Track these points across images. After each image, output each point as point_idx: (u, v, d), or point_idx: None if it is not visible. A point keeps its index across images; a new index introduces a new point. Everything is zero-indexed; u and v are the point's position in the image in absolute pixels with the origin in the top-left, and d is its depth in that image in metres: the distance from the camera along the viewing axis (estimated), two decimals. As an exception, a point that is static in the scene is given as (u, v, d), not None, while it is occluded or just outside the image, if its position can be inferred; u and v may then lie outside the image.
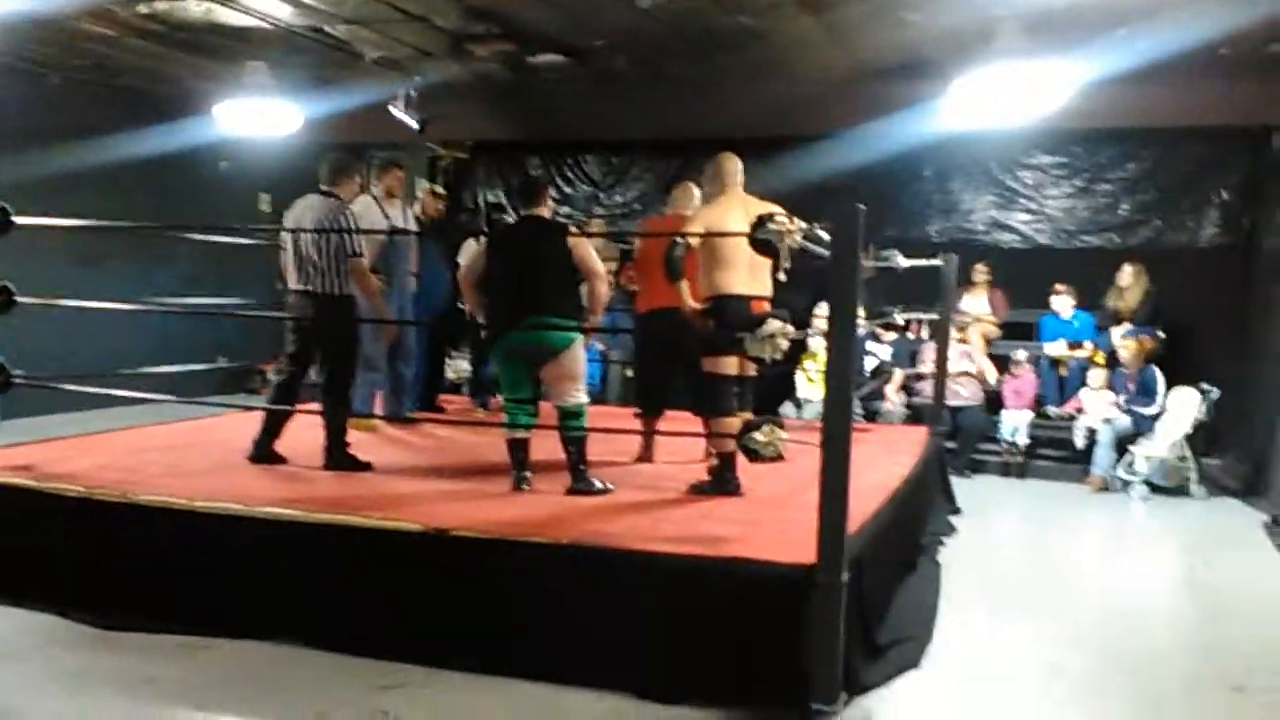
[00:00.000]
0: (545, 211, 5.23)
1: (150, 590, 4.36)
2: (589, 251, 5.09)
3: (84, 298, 5.94)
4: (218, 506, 4.39)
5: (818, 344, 8.53)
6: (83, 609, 4.34)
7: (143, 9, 7.59)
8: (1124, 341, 8.47)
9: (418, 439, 6.66)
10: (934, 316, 7.61)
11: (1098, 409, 8.36)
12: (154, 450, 5.69)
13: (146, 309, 7.40)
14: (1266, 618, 5.07)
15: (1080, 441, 8.40)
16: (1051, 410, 8.79)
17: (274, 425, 5.50)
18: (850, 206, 3.73)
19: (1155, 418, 8.10)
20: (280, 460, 5.46)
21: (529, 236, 5.15)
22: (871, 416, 8.68)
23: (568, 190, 11.55)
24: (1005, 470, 8.72)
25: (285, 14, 7.76)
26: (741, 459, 4.56)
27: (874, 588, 4.31)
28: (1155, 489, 7.95)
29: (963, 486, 7.67)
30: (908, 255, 7.39)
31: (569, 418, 4.99)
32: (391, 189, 6.99)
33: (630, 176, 11.32)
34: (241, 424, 6.81)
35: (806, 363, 8.95)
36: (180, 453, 5.67)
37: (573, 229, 5.25)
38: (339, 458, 5.42)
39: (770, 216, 4.37)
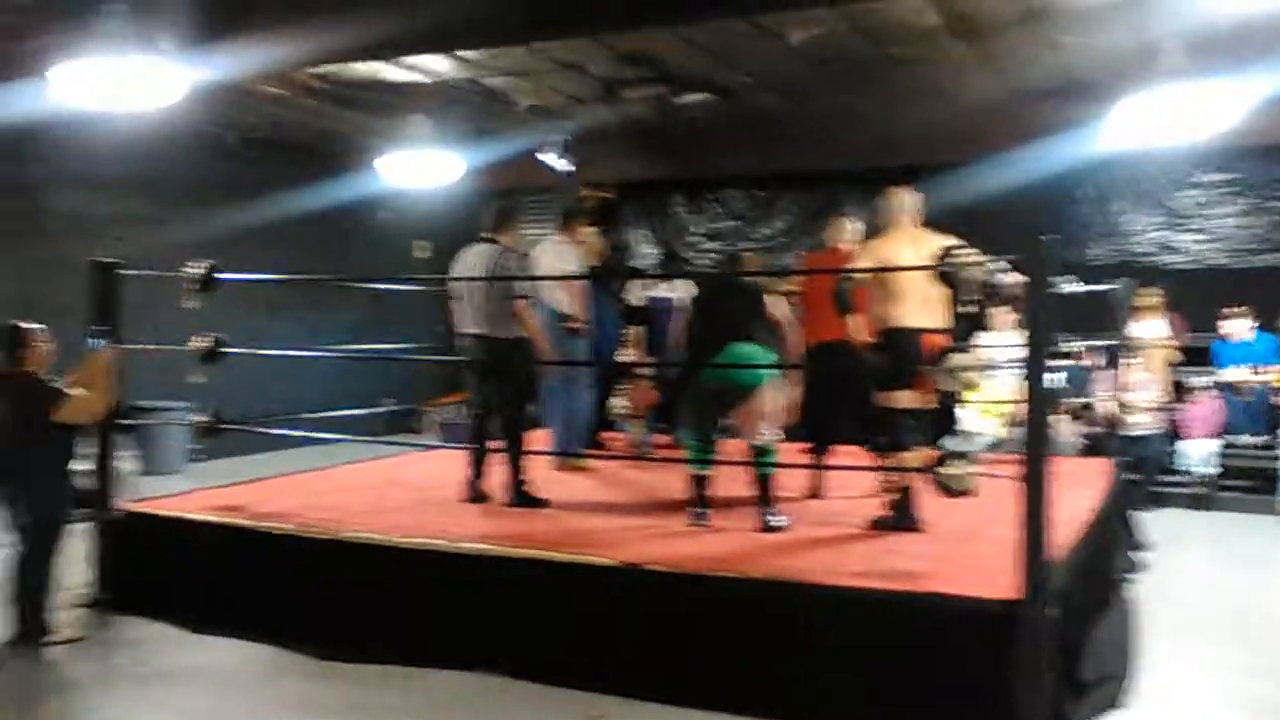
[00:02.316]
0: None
1: (362, 623, 4.58)
2: (783, 311, 5.30)
3: (263, 346, 6.27)
4: (421, 543, 4.60)
5: (979, 376, 8.39)
6: (300, 641, 4.58)
7: (315, 70, 8.03)
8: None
9: (589, 475, 6.79)
10: (1107, 343, 7.41)
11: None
12: (351, 490, 5.98)
13: (326, 355, 7.83)
14: None
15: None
16: (1244, 438, 8.40)
17: (476, 466, 5.72)
18: (1038, 238, 3.71)
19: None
20: (488, 498, 5.68)
21: (732, 299, 5.31)
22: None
23: (714, 226, 11.69)
24: (1190, 503, 8.36)
25: (445, 68, 8.11)
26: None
27: (1074, 624, 4.22)
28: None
29: (1147, 521, 7.38)
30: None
31: (761, 454, 5.05)
32: (579, 237, 7.17)
33: (776, 209, 11.38)
34: (420, 463, 7.12)
35: (969, 395, 8.78)
36: (376, 492, 5.94)
37: (769, 289, 5.42)
38: (520, 495, 5.59)
39: (952, 249, 4.37)
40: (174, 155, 9.38)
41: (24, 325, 4.67)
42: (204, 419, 5.61)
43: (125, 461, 5.95)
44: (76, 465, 4.94)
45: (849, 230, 6.26)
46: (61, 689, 4.21)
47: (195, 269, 5.37)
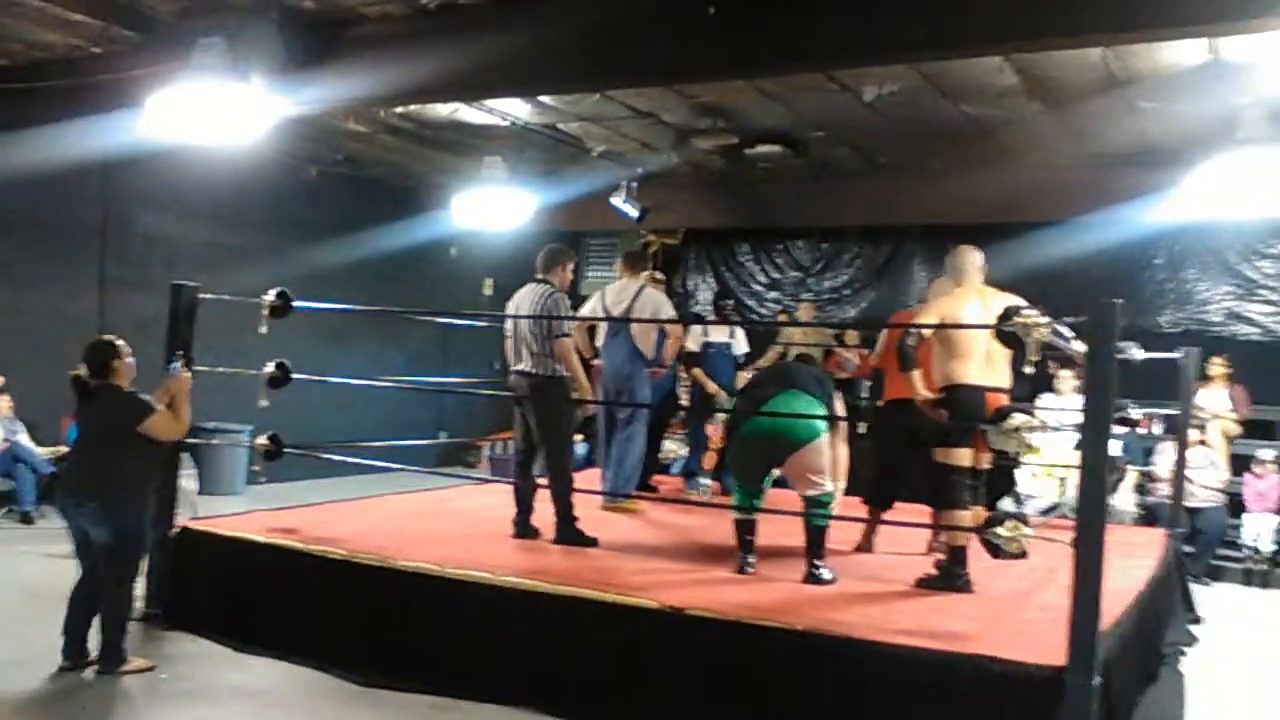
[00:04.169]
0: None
1: (402, 651, 4.63)
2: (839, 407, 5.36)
3: (326, 375, 6.39)
4: (468, 575, 4.65)
5: (1040, 438, 8.28)
6: (341, 665, 4.64)
7: (398, 109, 8.24)
8: None
9: (637, 517, 6.79)
10: (1169, 412, 7.29)
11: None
12: (403, 519, 6.07)
13: (386, 385, 7.98)
14: None
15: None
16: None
17: (524, 502, 5.78)
18: (1107, 301, 3.69)
19: None
20: (536, 534, 5.72)
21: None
22: (1098, 515, 8.30)
23: (776, 276, 11.73)
24: (1248, 578, 8.17)
25: (524, 113, 8.30)
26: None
27: (1119, 694, 4.13)
28: None
29: (1201, 594, 7.23)
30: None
31: (815, 505, 5.04)
32: (651, 279, 7.27)
33: (841, 263, 11.39)
34: (472, 496, 7.20)
35: (1027, 457, 8.66)
36: (427, 522, 6.02)
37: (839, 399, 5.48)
38: (568, 533, 5.63)
39: (1017, 310, 4.35)
40: (255, 186, 9.67)
41: (112, 339, 4.72)
42: (265, 442, 5.74)
43: (186, 480, 6.10)
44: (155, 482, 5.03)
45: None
46: (104, 703, 4.27)
47: (267, 296, 5.53)
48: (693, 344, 7.72)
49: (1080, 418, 3.91)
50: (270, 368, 5.61)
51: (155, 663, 4.62)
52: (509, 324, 5.90)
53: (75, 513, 4.54)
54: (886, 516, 5.94)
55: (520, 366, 5.80)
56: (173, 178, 8.80)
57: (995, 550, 4.08)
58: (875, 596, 4.79)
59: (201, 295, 5.52)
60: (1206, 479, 8.24)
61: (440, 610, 4.65)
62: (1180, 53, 6.08)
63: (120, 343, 4.70)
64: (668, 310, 6.91)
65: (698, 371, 7.71)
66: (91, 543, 4.52)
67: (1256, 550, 8.16)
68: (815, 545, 4.99)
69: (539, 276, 5.90)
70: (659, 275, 8.01)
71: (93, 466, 4.57)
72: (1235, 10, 4.57)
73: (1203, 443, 8.34)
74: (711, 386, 7.63)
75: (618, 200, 10.00)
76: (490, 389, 9.31)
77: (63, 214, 8.60)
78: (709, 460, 7.85)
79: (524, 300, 5.84)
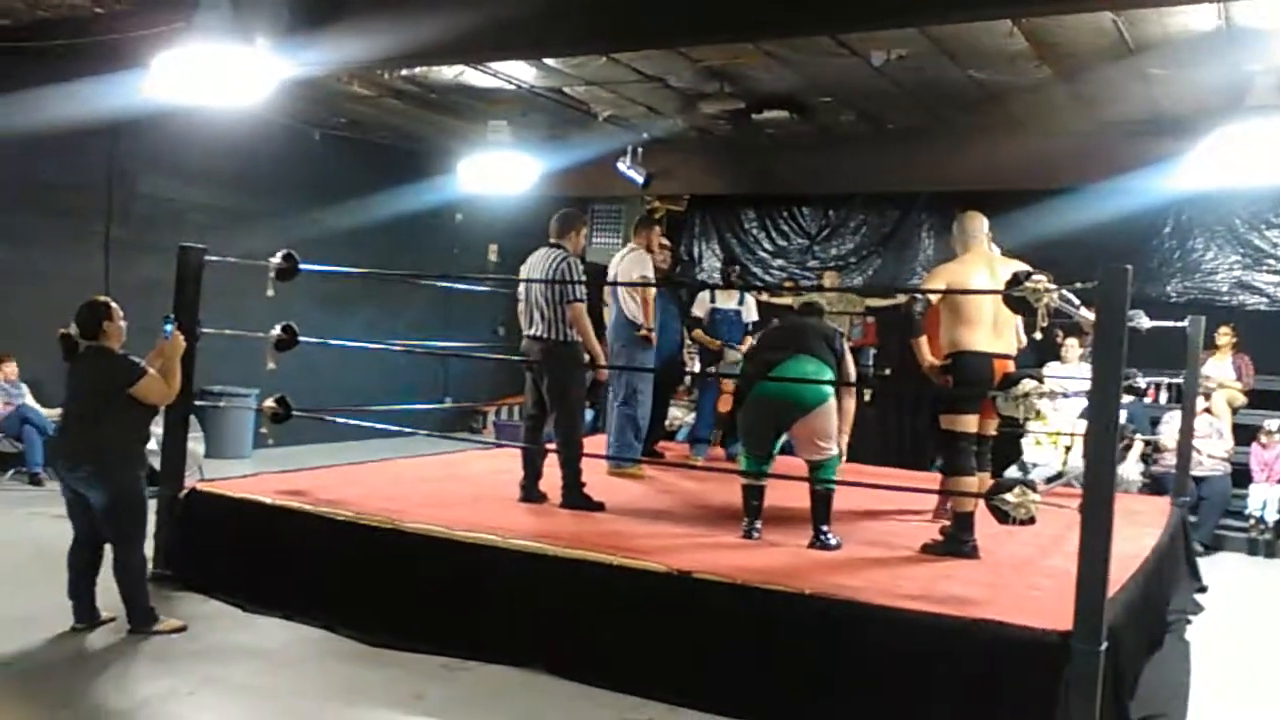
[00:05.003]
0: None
1: (412, 611, 4.66)
2: (850, 367, 5.36)
3: (331, 340, 6.38)
4: (476, 537, 4.67)
5: (1046, 406, 8.27)
6: (349, 626, 4.67)
7: (402, 72, 8.17)
8: None
9: (643, 482, 6.81)
10: (1175, 380, 7.28)
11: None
12: (410, 483, 6.09)
13: (393, 349, 7.98)
14: None
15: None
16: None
17: (532, 467, 5.78)
18: (1119, 268, 3.67)
19: None
20: (543, 498, 5.72)
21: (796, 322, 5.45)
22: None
23: (781, 243, 11.69)
24: (1252, 548, 8.19)
25: (529, 76, 8.23)
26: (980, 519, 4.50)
27: (1126, 660, 4.15)
28: None
29: (1204, 563, 7.25)
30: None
31: (819, 469, 5.06)
32: (651, 243, 7.22)
33: (847, 229, 11.34)
34: (479, 461, 7.23)
35: (1034, 424, 8.66)
36: (434, 486, 6.04)
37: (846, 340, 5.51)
38: (575, 497, 5.64)
39: (1027, 274, 4.34)
40: (259, 149, 9.62)
41: (107, 300, 4.66)
42: (273, 405, 5.74)
43: (192, 442, 6.10)
44: (149, 446, 5.01)
45: None
46: (114, 661, 4.31)
47: (274, 259, 5.52)
48: (699, 310, 7.73)
49: (1086, 386, 3.89)
50: (277, 331, 5.60)
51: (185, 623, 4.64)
52: (521, 288, 5.88)
53: (69, 476, 4.52)
54: (892, 481, 5.96)
55: (532, 331, 5.79)
56: (177, 140, 8.75)
57: (1003, 516, 4.09)
58: (882, 561, 4.80)
59: (207, 258, 5.50)
60: (1212, 448, 8.26)
61: (448, 572, 4.66)
62: (1191, 18, 6.02)
63: (114, 304, 4.64)
64: (639, 271, 6.84)
65: (699, 333, 7.73)
66: (88, 506, 4.52)
67: (1262, 520, 8.17)
68: (821, 510, 5.00)
69: (552, 241, 5.87)
70: (664, 241, 7.98)
71: (83, 430, 4.52)
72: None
73: (1208, 410, 8.35)
74: (716, 344, 7.65)
75: (623, 165, 9.96)
76: (496, 354, 9.32)
77: (68, 176, 8.55)
78: (724, 403, 7.78)
79: (536, 265, 5.81)
